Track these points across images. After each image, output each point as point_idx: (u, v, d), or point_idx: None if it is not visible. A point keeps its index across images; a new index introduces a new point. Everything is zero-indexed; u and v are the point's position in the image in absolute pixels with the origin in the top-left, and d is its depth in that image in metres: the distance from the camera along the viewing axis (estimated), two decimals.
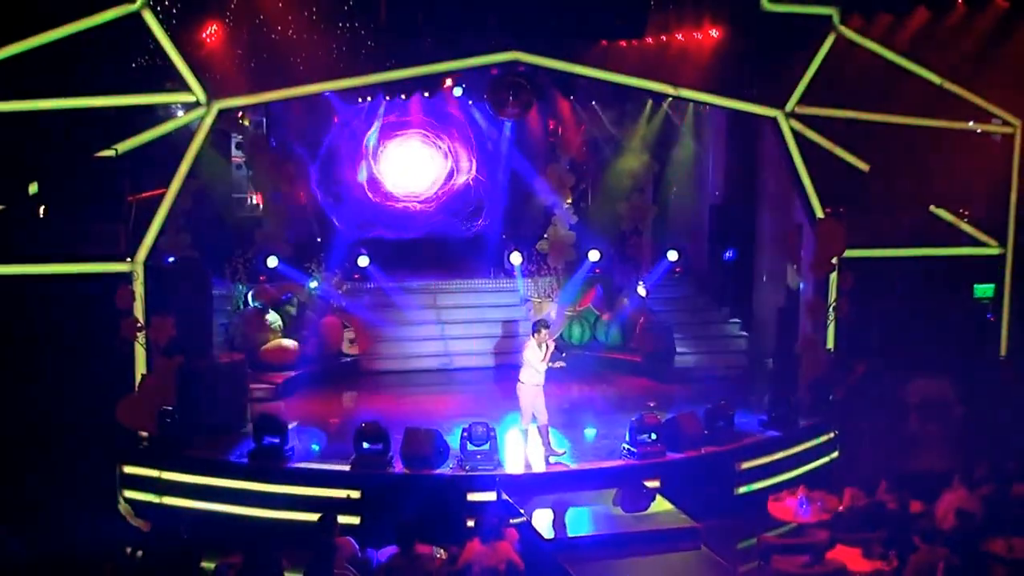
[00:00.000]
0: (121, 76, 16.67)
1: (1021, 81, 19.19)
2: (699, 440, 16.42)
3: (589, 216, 25.90)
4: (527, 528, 13.80)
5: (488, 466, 15.35)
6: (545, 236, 23.94)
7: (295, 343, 21.07)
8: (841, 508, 14.51)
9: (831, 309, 18.52)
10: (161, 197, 16.50)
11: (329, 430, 17.70)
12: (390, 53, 19.01)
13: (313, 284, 22.30)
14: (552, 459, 15.86)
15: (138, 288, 16.09)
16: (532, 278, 24.03)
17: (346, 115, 24.62)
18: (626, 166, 24.63)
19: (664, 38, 23.60)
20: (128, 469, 15.83)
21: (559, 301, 23.26)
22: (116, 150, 16.06)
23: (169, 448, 15.90)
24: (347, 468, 15.41)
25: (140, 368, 16.30)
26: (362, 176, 25.15)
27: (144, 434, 16.03)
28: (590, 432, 17.73)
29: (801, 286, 19.43)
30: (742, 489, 16.44)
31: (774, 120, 18.56)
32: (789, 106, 18.41)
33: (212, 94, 16.67)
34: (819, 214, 18.47)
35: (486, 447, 15.44)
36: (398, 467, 15.49)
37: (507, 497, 14.82)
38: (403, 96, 24.17)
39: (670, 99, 23.04)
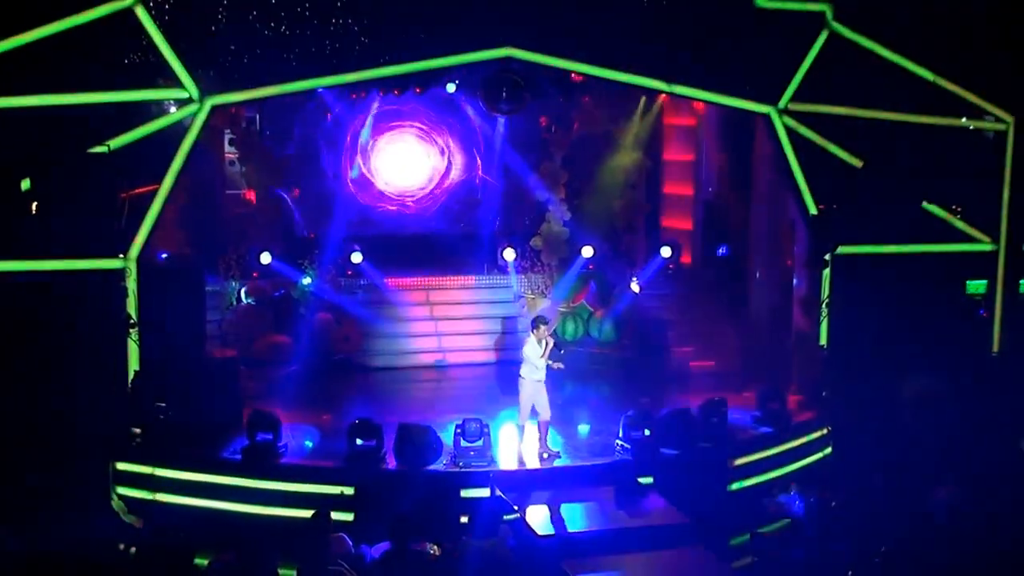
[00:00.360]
0: (114, 72, 16.64)
1: (1014, 78, 19.22)
2: (692, 436, 16.44)
3: (583, 212, 25.90)
4: (521, 524, 13.81)
5: (481, 462, 15.36)
6: (539, 232, 23.92)
7: (288, 339, 21.04)
8: (834, 503, 14.53)
9: (824, 305, 18.54)
10: (154, 194, 16.46)
11: (322, 427, 17.69)
12: (383, 49, 18.99)
13: (306, 281, 22.26)
14: (545, 455, 15.87)
15: (131, 285, 16.07)
16: (526, 274, 24.02)
17: (339, 111, 24.61)
18: (619, 162, 24.63)
19: None
20: (121, 466, 15.81)
21: (552, 297, 23.26)
22: (109, 146, 16.04)
23: (162, 445, 15.87)
24: (341, 464, 15.41)
25: (133, 365, 16.28)
26: (354, 173, 25.14)
27: (137, 431, 16.00)
28: (583, 428, 17.73)
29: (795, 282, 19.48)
30: (735, 485, 16.46)
31: (767, 116, 18.57)
32: (782, 103, 18.42)
33: (205, 90, 16.64)
34: (812, 210, 18.47)
35: (479, 443, 15.45)
36: (391, 463, 15.50)
37: (501, 493, 14.83)
38: (396, 92, 24.12)
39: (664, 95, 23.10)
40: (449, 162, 26.10)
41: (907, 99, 18.87)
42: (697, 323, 23.80)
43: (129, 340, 16.19)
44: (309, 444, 16.60)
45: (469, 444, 15.45)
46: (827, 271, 18.44)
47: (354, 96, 23.99)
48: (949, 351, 18.19)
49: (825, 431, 17.69)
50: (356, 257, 23.37)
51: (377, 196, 25.37)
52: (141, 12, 16.07)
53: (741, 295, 23.41)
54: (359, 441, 15.51)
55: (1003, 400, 17.54)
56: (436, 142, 25.88)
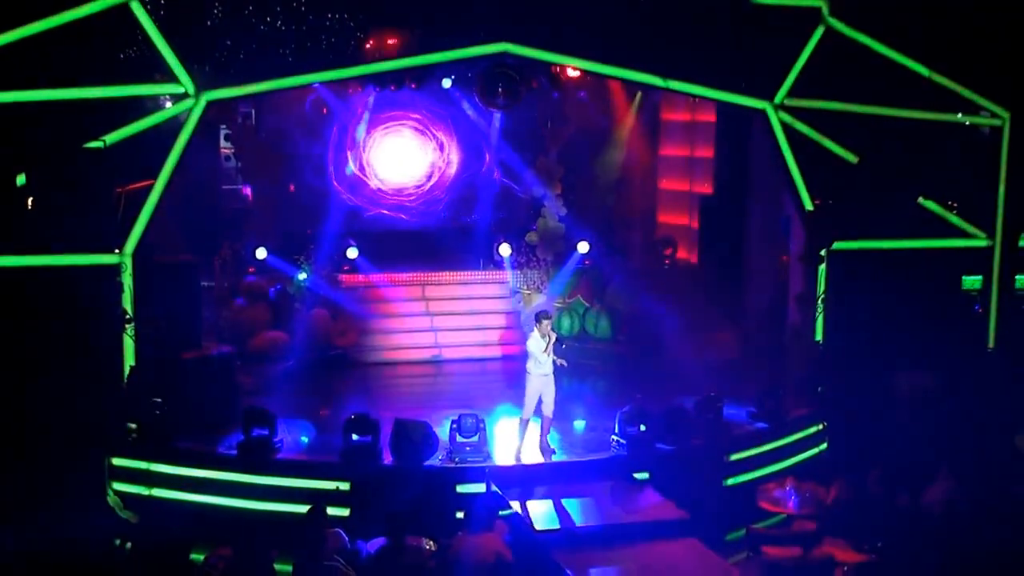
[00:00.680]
0: (109, 67, 16.61)
1: (1010, 73, 19.22)
2: (688, 432, 16.45)
3: (578, 208, 25.91)
4: (516, 519, 13.82)
5: (477, 458, 15.37)
6: (534, 228, 23.93)
7: (284, 335, 21.03)
8: (829, 500, 14.55)
9: (820, 301, 18.56)
10: (150, 189, 16.45)
11: (318, 422, 17.69)
12: (378, 44, 18.99)
13: (302, 276, 22.25)
14: (542, 449, 15.87)
15: (126, 280, 16.06)
16: (521, 270, 24.03)
17: (336, 106, 24.60)
18: (615, 158, 24.65)
19: None
20: (117, 461, 15.80)
21: (548, 293, 23.28)
22: (104, 142, 16.02)
23: (158, 440, 15.87)
24: (337, 460, 15.41)
25: (128, 360, 16.28)
26: (350, 169, 25.12)
27: (133, 426, 16.00)
28: (579, 424, 17.75)
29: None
30: (731, 480, 16.48)
31: (763, 112, 18.57)
32: (778, 98, 18.42)
33: (200, 85, 16.62)
34: (808, 206, 18.49)
35: (475, 439, 15.45)
36: (387, 459, 15.50)
37: (496, 489, 14.84)
38: (393, 87, 24.11)
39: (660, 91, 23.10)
40: (446, 158, 26.08)
41: (903, 95, 18.86)
42: (693, 319, 23.79)
43: (125, 335, 16.17)
44: (305, 439, 16.60)
45: (465, 440, 15.45)
46: (823, 267, 18.44)
47: (351, 91, 24.00)
48: (945, 347, 18.20)
49: (821, 427, 17.70)
50: (352, 252, 23.40)
51: (370, 198, 25.33)
52: (136, 7, 16.04)
53: (737, 291, 23.44)
54: (355, 436, 15.52)
55: (999, 396, 17.56)
56: (433, 137, 25.86)
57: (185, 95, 16.59)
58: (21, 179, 15.87)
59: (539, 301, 22.55)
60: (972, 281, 20.07)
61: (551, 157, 24.22)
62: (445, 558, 12.34)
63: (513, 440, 16.06)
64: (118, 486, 15.75)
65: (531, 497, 14.68)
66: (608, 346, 22.40)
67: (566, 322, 22.74)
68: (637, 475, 15.54)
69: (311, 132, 24.71)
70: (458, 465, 15.32)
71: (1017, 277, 20.28)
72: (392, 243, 25.56)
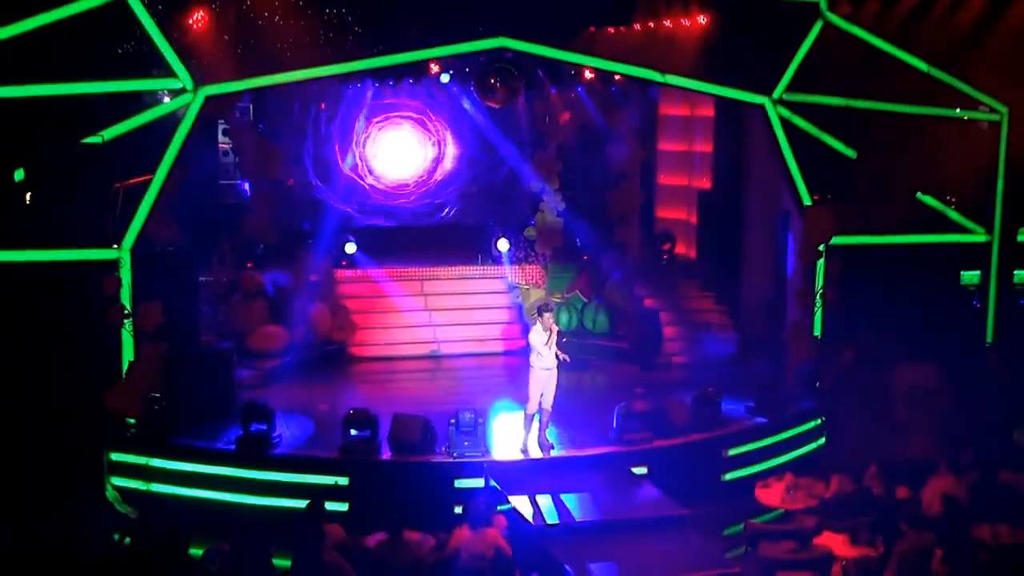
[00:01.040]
0: (107, 62, 16.61)
1: (1008, 69, 19.20)
2: (686, 427, 16.47)
3: (577, 203, 25.91)
4: (515, 514, 13.82)
5: (476, 453, 15.36)
6: (533, 223, 23.92)
7: (283, 329, 21.03)
8: (828, 494, 14.56)
9: (818, 296, 18.56)
10: (148, 184, 16.44)
11: (317, 417, 17.69)
12: (377, 39, 18.97)
13: (351, 248, 22.32)
14: (540, 445, 15.88)
15: (125, 275, 16.05)
16: (520, 265, 24.03)
17: (334, 101, 24.62)
18: (614, 153, 24.62)
19: (652, 25, 23.64)
20: (115, 456, 15.81)
21: (546, 288, 23.28)
22: (102, 136, 16.01)
23: (156, 435, 15.87)
24: (335, 455, 15.41)
25: (127, 355, 16.28)
26: (348, 164, 25.16)
27: (131, 421, 16.00)
28: (577, 419, 17.73)
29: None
30: (729, 476, 16.49)
31: (762, 107, 18.57)
32: (777, 93, 18.42)
33: (198, 80, 16.61)
34: (807, 201, 18.48)
35: (474, 434, 15.44)
36: (386, 454, 15.51)
37: (495, 484, 14.84)
38: (392, 82, 24.13)
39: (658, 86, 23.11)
40: (442, 152, 26.09)
41: (901, 90, 18.86)
42: (692, 313, 23.82)
43: (123, 330, 16.17)
44: (303, 434, 16.59)
45: (463, 434, 15.44)
46: (821, 261, 18.45)
47: (349, 86, 24.02)
48: (943, 342, 18.21)
49: (819, 422, 17.71)
50: (350, 247, 23.41)
51: (362, 202, 25.37)
52: (134, 2, 16.01)
53: (736, 285, 23.45)
54: (353, 431, 15.51)
55: (997, 391, 17.57)
56: (431, 133, 25.87)
57: (183, 90, 16.58)
58: (19, 174, 15.86)
59: (538, 296, 22.54)
60: (970, 276, 20.08)
61: (549, 152, 24.21)
62: (443, 553, 12.34)
63: (517, 434, 16.06)
64: (116, 481, 15.75)
65: (530, 492, 14.68)
66: (606, 341, 22.39)
67: (564, 317, 22.73)
68: (635, 470, 15.54)
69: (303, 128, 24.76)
70: (456, 460, 15.32)
71: (1015, 272, 20.28)
72: (390, 238, 25.59)
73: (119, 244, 16.13)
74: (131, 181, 16.92)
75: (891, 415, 17.24)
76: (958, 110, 19.54)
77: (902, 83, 18.91)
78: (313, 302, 21.88)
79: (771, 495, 14.82)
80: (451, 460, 15.34)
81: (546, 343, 15.56)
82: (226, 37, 18.77)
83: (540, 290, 23.16)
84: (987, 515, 13.22)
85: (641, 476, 15.40)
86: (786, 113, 18.45)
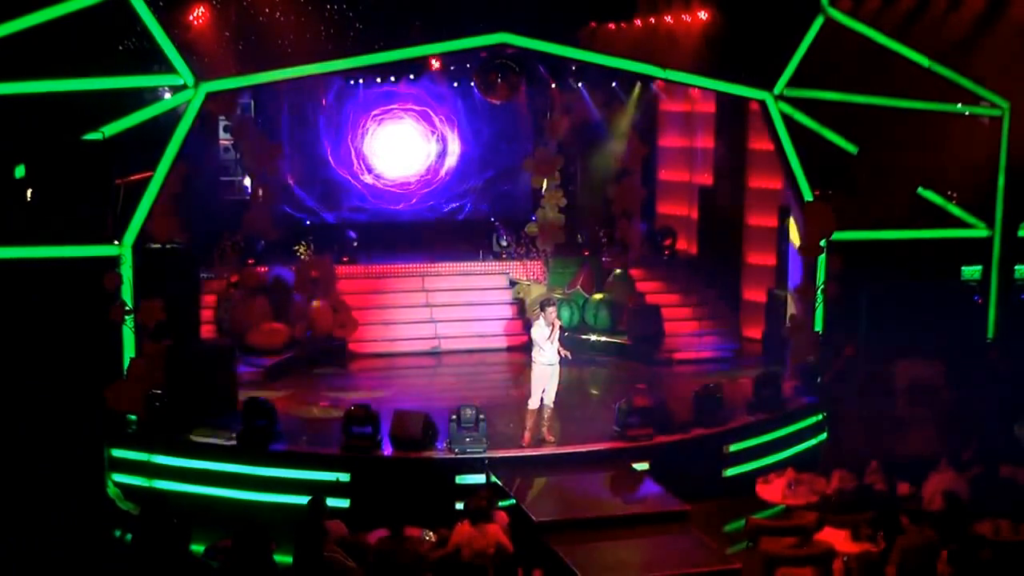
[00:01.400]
0: (108, 58, 16.59)
1: (1009, 64, 19.18)
2: (687, 423, 16.46)
3: (578, 199, 25.94)
4: (516, 510, 13.82)
5: (477, 448, 15.37)
6: (534, 219, 23.93)
7: (284, 326, 21.04)
8: (829, 490, 14.56)
9: (819, 291, 18.56)
10: (149, 180, 16.44)
11: (318, 413, 17.71)
12: (378, 35, 18.96)
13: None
14: (545, 439, 15.88)
15: (126, 271, 16.06)
16: (521, 261, 24.04)
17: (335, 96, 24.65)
18: (615, 149, 24.65)
19: (653, 20, 23.64)
20: (117, 452, 15.82)
21: (548, 284, 23.28)
22: (103, 133, 16.01)
23: (158, 431, 15.88)
24: (336, 451, 15.42)
25: (128, 352, 16.28)
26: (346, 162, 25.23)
27: (132, 418, 16.01)
28: (579, 414, 17.73)
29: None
30: (730, 471, 16.49)
31: (763, 102, 18.56)
32: (778, 88, 18.40)
33: (199, 76, 16.60)
34: (808, 196, 18.47)
35: (475, 430, 15.45)
36: (387, 450, 15.51)
37: (496, 479, 14.84)
38: (392, 79, 24.15)
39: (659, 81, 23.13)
40: (444, 149, 26.10)
41: (902, 85, 18.84)
42: (693, 309, 23.84)
43: (124, 327, 16.18)
44: (304, 431, 16.60)
45: (465, 430, 15.44)
46: (822, 257, 18.44)
47: (351, 82, 24.05)
48: (944, 337, 18.20)
49: (820, 417, 17.71)
50: (351, 243, 23.47)
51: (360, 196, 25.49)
52: None
53: (737, 281, 23.47)
54: (355, 428, 15.51)
55: (999, 387, 17.56)
56: (432, 129, 25.87)
57: (184, 86, 16.58)
58: (20, 171, 15.84)
59: (539, 292, 22.55)
60: (972, 271, 20.06)
61: (550, 148, 24.20)
62: (445, 549, 12.34)
63: (519, 429, 16.08)
64: (118, 477, 15.76)
65: (531, 487, 14.69)
66: (607, 336, 22.39)
67: (566, 313, 22.73)
68: (637, 465, 15.55)
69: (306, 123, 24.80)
70: (458, 456, 15.32)
71: (1017, 267, 20.27)
72: (391, 234, 25.61)
73: (120, 241, 16.13)
74: (132, 178, 16.91)
75: (892, 411, 17.23)
76: (959, 105, 19.51)
77: (903, 78, 18.89)
78: (314, 298, 21.88)
79: (772, 491, 14.82)
80: (452, 456, 15.34)
81: (548, 338, 15.58)
82: (227, 33, 18.78)
83: (541, 286, 23.15)
84: (988, 511, 13.22)
85: (642, 472, 15.39)
86: (787, 109, 18.43)
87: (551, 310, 15.75)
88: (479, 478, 15.12)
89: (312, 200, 25.27)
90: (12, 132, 15.67)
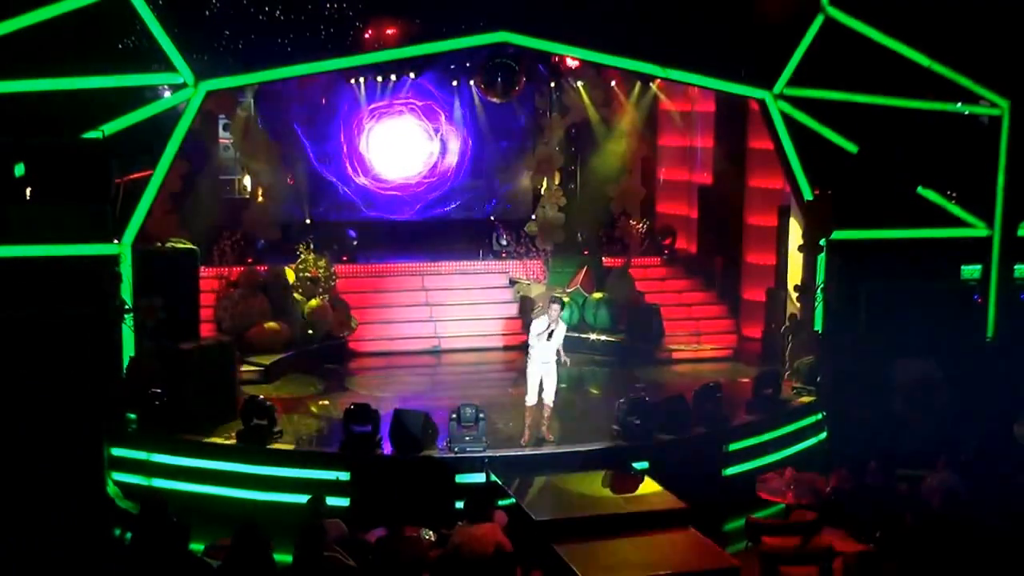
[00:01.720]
0: (108, 57, 16.58)
1: (1009, 63, 19.18)
2: (687, 422, 16.46)
3: (578, 198, 25.96)
4: (516, 509, 13.82)
5: (476, 448, 15.37)
6: (534, 218, 23.93)
7: (284, 325, 21.03)
8: (828, 489, 14.56)
9: (819, 290, 18.56)
10: (148, 179, 16.43)
11: (318, 412, 17.71)
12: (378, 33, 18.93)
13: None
14: (541, 439, 15.89)
15: (125, 270, 16.05)
16: (521, 260, 24.05)
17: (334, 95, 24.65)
18: (615, 148, 24.66)
19: None
20: (116, 451, 15.82)
21: (547, 283, 23.29)
22: (103, 131, 16.00)
23: (158, 430, 15.87)
24: (336, 450, 15.43)
25: (128, 351, 16.28)
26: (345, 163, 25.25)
27: (132, 416, 16.01)
28: (578, 413, 17.74)
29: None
30: (730, 470, 16.49)
31: (763, 101, 18.56)
32: (778, 87, 18.40)
33: (199, 75, 16.60)
34: (808, 195, 18.47)
35: (475, 429, 15.45)
36: (387, 449, 15.51)
37: (496, 478, 14.85)
38: (393, 77, 24.17)
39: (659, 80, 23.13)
40: (444, 147, 26.11)
41: (902, 84, 18.83)
42: (692, 309, 23.85)
43: (124, 326, 16.17)
44: (304, 429, 16.60)
45: (464, 429, 15.44)
46: (822, 256, 18.44)
47: (352, 81, 24.06)
48: (944, 336, 18.19)
49: (820, 416, 17.71)
50: (351, 242, 23.48)
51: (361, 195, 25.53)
52: None
53: (736, 280, 23.47)
54: (354, 426, 15.51)
55: (998, 386, 17.56)
56: (432, 127, 25.88)
57: (184, 85, 16.57)
58: (19, 169, 15.82)
59: (539, 292, 22.56)
60: (971, 270, 20.05)
61: (551, 147, 24.23)
62: (444, 549, 12.33)
63: (519, 428, 16.09)
64: (118, 476, 15.76)
65: (531, 486, 14.69)
66: (607, 336, 22.40)
67: (565, 313, 22.72)
68: (636, 464, 15.55)
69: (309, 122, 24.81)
70: (457, 455, 15.32)
71: (1016, 267, 20.25)
72: (391, 233, 25.62)
73: (119, 239, 16.13)
74: (131, 176, 16.90)
75: (892, 410, 17.23)
76: (959, 104, 19.49)
77: (903, 77, 18.88)
78: (313, 297, 21.88)
79: (772, 490, 14.81)
80: (452, 455, 15.34)
81: (541, 333, 15.58)
82: (227, 32, 18.72)
83: (541, 285, 23.16)
84: (987, 510, 13.21)
85: (642, 471, 15.39)
86: (787, 107, 18.43)
87: (556, 307, 15.77)
88: (479, 477, 15.13)
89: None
90: (12, 131, 15.65)
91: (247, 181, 24.71)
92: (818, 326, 18.72)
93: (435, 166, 26.13)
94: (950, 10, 19.02)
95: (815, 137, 18.50)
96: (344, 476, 15.12)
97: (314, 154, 25.19)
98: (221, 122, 24.42)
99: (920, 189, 19.23)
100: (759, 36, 18.73)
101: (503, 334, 22.64)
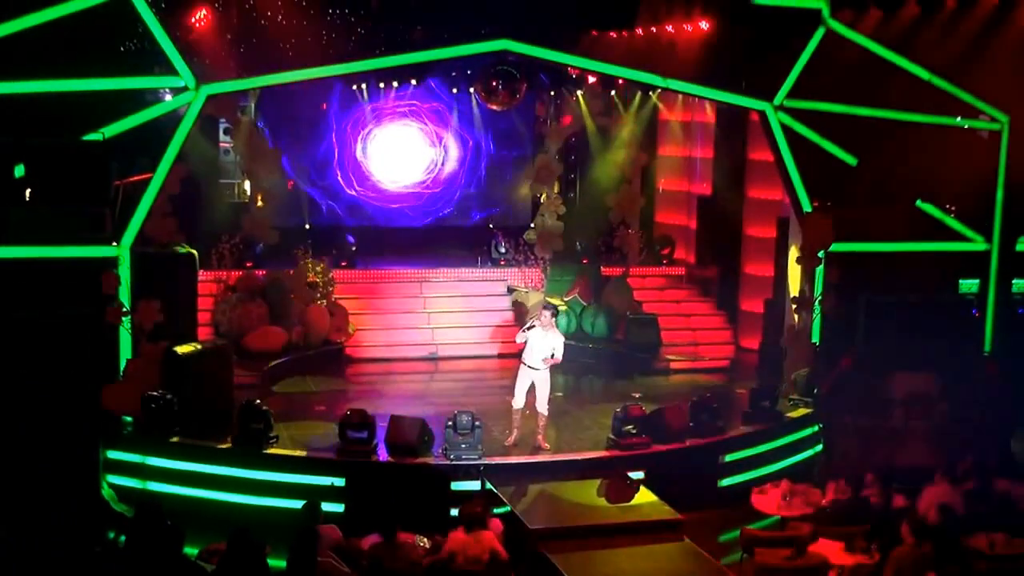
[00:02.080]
0: (109, 60, 16.59)
1: (1009, 78, 19.20)
2: (683, 432, 16.45)
3: (577, 207, 25.97)
4: (511, 517, 13.81)
5: (472, 455, 15.35)
6: (532, 226, 23.94)
7: (281, 330, 21.01)
8: (824, 502, 14.55)
9: (817, 303, 18.56)
10: (148, 182, 16.43)
11: (314, 418, 17.68)
12: (380, 40, 18.97)
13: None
14: (536, 448, 15.88)
15: (124, 273, 16.04)
16: (519, 268, 24.04)
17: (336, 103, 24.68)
18: (614, 157, 24.68)
19: (654, 29, 23.68)
20: (112, 454, 15.79)
21: (545, 291, 23.28)
22: (103, 134, 16.00)
23: (153, 434, 15.85)
24: (332, 456, 15.41)
25: (125, 353, 16.27)
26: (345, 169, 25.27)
27: (128, 419, 15.99)
28: (574, 422, 17.73)
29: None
30: (725, 481, 16.47)
31: (763, 113, 18.58)
32: (778, 99, 18.42)
33: (200, 79, 16.60)
34: (807, 207, 18.49)
35: (471, 436, 15.43)
36: (382, 455, 15.49)
37: (491, 486, 14.83)
38: (395, 84, 24.20)
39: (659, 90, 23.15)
40: (444, 154, 26.13)
41: (902, 97, 18.87)
42: (690, 319, 23.85)
43: (121, 328, 16.16)
44: (300, 435, 16.58)
45: (460, 437, 15.43)
46: (820, 268, 18.45)
47: (353, 87, 24.09)
48: (941, 350, 18.20)
49: (816, 428, 17.70)
50: (349, 248, 23.48)
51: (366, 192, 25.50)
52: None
53: (734, 291, 23.48)
54: (350, 432, 15.50)
55: (996, 400, 17.56)
56: (432, 133, 25.90)
57: (185, 88, 16.58)
58: (19, 170, 15.83)
59: (537, 300, 22.55)
60: (969, 284, 20.07)
61: (550, 155, 24.22)
62: (438, 556, 12.32)
63: (506, 431, 16.09)
64: (112, 479, 15.73)
65: (526, 494, 14.67)
66: (605, 345, 22.38)
67: (563, 321, 22.73)
68: (632, 474, 15.53)
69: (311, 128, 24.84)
70: (453, 462, 15.30)
71: (1014, 281, 20.28)
72: (390, 239, 25.63)
73: (118, 242, 16.12)
74: (131, 179, 16.91)
75: (888, 423, 17.22)
76: (959, 119, 19.52)
77: (903, 91, 18.91)
78: (311, 303, 21.87)
79: (767, 502, 14.79)
80: (448, 462, 15.32)
81: (522, 331, 15.63)
82: (228, 36, 18.77)
83: (539, 293, 23.17)
84: (983, 524, 13.21)
85: (638, 480, 15.38)
86: (787, 119, 18.45)
87: (547, 313, 15.79)
88: (474, 485, 15.10)
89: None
90: (12, 132, 15.65)
91: (247, 185, 24.69)
92: (816, 338, 18.71)
93: (437, 174, 26.15)
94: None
95: (815, 149, 18.52)
96: (339, 482, 15.10)
97: (311, 164, 25.20)
98: (222, 126, 24.44)
99: (919, 203, 19.27)
100: (760, 47, 18.78)
101: (501, 342, 22.63)
